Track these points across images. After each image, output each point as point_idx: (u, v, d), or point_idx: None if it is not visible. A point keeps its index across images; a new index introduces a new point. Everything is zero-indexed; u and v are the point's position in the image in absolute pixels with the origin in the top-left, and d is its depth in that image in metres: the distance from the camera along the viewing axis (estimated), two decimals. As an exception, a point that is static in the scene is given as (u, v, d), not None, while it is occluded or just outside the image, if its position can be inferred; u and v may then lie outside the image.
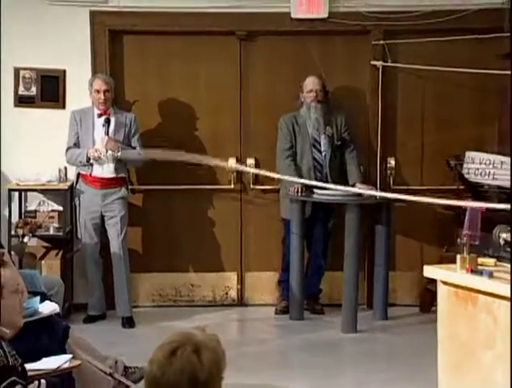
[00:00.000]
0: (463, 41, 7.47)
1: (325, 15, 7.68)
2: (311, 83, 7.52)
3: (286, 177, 7.14)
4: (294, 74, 7.71)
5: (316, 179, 7.49)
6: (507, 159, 6.97)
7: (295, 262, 7.39)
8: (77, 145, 7.26)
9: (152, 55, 7.86)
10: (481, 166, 7.15)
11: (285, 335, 7.30)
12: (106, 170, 7.24)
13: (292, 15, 7.69)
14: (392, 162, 7.89)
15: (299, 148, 7.56)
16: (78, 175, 7.34)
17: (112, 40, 7.77)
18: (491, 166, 7.08)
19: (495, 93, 7.45)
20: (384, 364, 6.33)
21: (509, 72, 6.95)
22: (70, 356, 4.56)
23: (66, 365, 4.40)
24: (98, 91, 7.19)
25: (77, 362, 4.55)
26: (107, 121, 7.21)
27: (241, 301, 7.98)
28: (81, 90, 7.41)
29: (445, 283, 4.82)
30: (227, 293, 7.99)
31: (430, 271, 4.94)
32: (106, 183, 7.26)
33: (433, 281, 5.04)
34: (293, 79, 7.69)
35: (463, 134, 7.66)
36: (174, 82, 7.88)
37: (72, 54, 7.61)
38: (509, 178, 6.94)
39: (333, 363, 6.43)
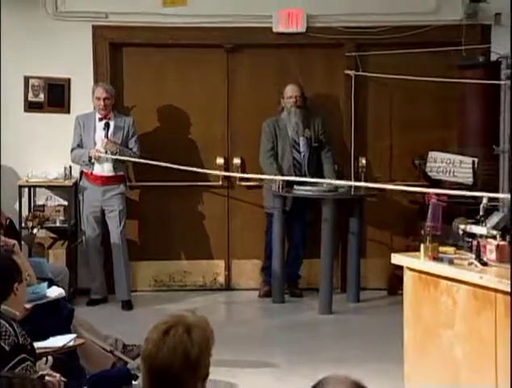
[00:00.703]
0: (425, 53, 7.47)
1: (304, 30, 7.68)
2: (291, 90, 7.51)
3: (277, 177, 7.16)
4: (275, 82, 7.70)
5: (295, 177, 7.50)
6: (465, 158, 6.99)
7: (276, 251, 7.39)
8: (80, 146, 7.28)
9: (148, 65, 7.83)
10: (443, 164, 7.16)
11: (267, 316, 7.30)
12: (105, 169, 7.24)
13: (274, 30, 7.68)
14: (363, 161, 7.89)
15: (280, 148, 7.55)
16: (81, 173, 7.36)
17: (112, 51, 7.73)
18: (451, 164, 7.10)
19: (454, 100, 7.46)
20: (356, 342, 6.33)
21: (466, 80, 6.98)
22: (75, 335, 4.56)
23: (71, 344, 4.40)
24: (98, 99, 7.20)
25: (80, 341, 4.55)
26: (107, 125, 7.23)
27: (228, 286, 7.97)
28: (85, 96, 7.39)
29: (410, 269, 4.84)
30: (215, 279, 7.98)
31: (397, 258, 4.95)
32: (106, 181, 7.25)
33: (399, 267, 5.05)
34: (275, 87, 7.68)
35: (426, 136, 7.67)
36: (169, 90, 7.86)
37: (76, 64, 7.58)
38: (466, 175, 6.96)
39: (310, 341, 6.43)
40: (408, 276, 4.86)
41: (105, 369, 4.58)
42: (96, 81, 7.54)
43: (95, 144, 7.22)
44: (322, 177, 7.53)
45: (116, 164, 7.23)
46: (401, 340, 4.89)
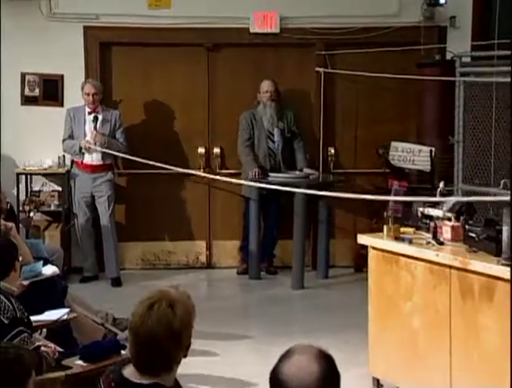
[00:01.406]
0: (388, 52, 7.47)
1: (278, 31, 7.66)
2: (266, 85, 7.50)
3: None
4: (252, 78, 7.68)
5: (270, 165, 7.51)
6: (424, 148, 7.01)
7: (253, 232, 7.39)
8: (71, 137, 7.24)
9: (135, 63, 7.77)
10: (403, 153, 7.18)
11: (245, 291, 7.31)
12: (95, 158, 7.23)
13: (251, 30, 7.65)
14: (332, 150, 7.89)
15: (256, 139, 7.54)
16: (72, 161, 7.36)
17: (102, 50, 7.67)
18: (411, 153, 7.11)
19: (414, 95, 7.48)
20: (326, 314, 6.35)
21: (424, 77, 7.00)
22: (68, 309, 4.53)
23: (65, 317, 4.38)
24: (88, 94, 7.18)
25: (74, 315, 4.53)
26: (96, 118, 7.21)
27: (209, 265, 7.96)
28: (76, 91, 7.33)
29: (374, 248, 4.85)
30: (197, 258, 7.97)
31: (362, 238, 4.97)
32: (95, 169, 7.25)
33: (365, 247, 5.06)
34: (251, 82, 7.65)
35: (388, 128, 7.68)
36: (154, 85, 7.82)
37: (68, 62, 7.52)
38: (425, 163, 6.99)
39: (284, 314, 6.45)
40: (372, 255, 4.87)
41: (96, 340, 4.56)
42: (87, 76, 7.49)
43: (85, 135, 7.21)
44: (295, 165, 7.54)
45: (104, 153, 7.21)
46: (366, 312, 4.91)
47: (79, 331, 4.73)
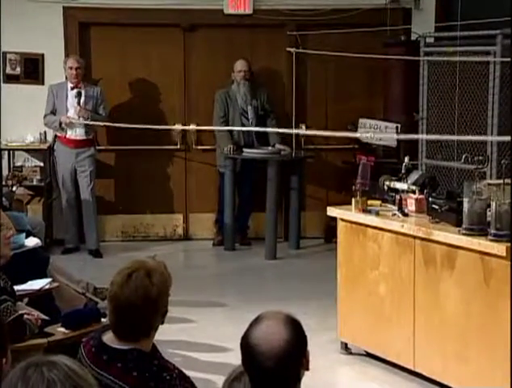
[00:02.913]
0: (356, 33, 7.44)
1: (251, 12, 7.60)
2: (240, 65, 7.45)
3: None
4: (226, 58, 7.62)
5: (244, 141, 7.49)
6: (390, 124, 7.02)
7: (228, 205, 7.38)
8: (53, 112, 7.13)
9: (114, 43, 7.68)
10: (371, 129, 7.19)
11: (220, 261, 7.32)
12: (78, 133, 7.12)
13: (225, 12, 7.59)
14: (303, 127, 7.87)
15: (230, 116, 7.51)
16: (55, 136, 7.24)
17: (81, 30, 7.57)
18: (378, 130, 7.13)
19: (381, 74, 7.47)
20: (297, 283, 6.38)
21: (390, 57, 7.00)
22: (50, 279, 4.51)
23: (47, 287, 4.36)
24: (71, 68, 7.05)
25: (56, 284, 4.51)
26: (79, 94, 7.06)
27: (186, 236, 7.95)
28: (57, 69, 7.25)
29: (343, 220, 4.87)
30: (175, 230, 7.95)
31: (332, 211, 4.99)
32: (78, 144, 7.14)
33: (334, 219, 5.08)
34: (226, 62, 7.60)
35: (357, 105, 7.68)
36: (132, 64, 7.73)
37: (49, 41, 7.42)
38: (391, 137, 7.01)
39: (258, 282, 6.47)
40: (341, 226, 4.90)
41: (77, 308, 4.54)
42: (67, 55, 7.38)
43: (67, 110, 7.08)
44: (268, 141, 7.53)
45: (88, 129, 7.12)
46: (335, 280, 4.94)
47: (61, 300, 4.70)
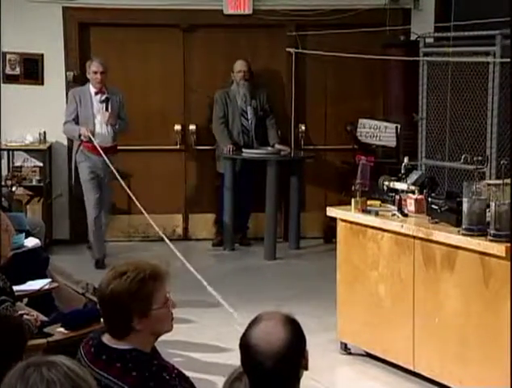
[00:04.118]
0: (355, 34, 7.44)
1: (250, 12, 7.61)
2: (239, 65, 7.45)
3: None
4: (226, 58, 7.62)
5: (243, 141, 7.49)
6: (390, 125, 7.03)
7: (228, 206, 7.38)
8: (74, 119, 6.76)
9: (113, 43, 7.68)
10: (370, 130, 7.18)
11: (220, 262, 7.31)
12: (106, 140, 6.76)
13: (224, 12, 7.59)
14: (302, 127, 7.88)
15: (230, 116, 7.51)
16: (80, 144, 6.81)
17: (81, 30, 7.58)
18: (378, 130, 7.12)
19: (380, 74, 7.47)
20: (297, 283, 6.38)
21: (390, 57, 7.00)
22: (50, 279, 4.50)
23: (46, 287, 4.36)
24: (95, 72, 6.72)
25: (55, 284, 4.50)
26: (107, 100, 6.71)
27: (185, 237, 7.94)
28: (56, 69, 7.27)
29: (342, 220, 4.87)
30: (174, 231, 7.94)
31: (331, 211, 4.99)
32: (106, 151, 6.66)
33: (333, 219, 5.08)
34: (225, 62, 7.60)
35: (356, 105, 7.68)
36: (132, 65, 7.73)
37: (48, 41, 7.42)
38: (390, 139, 7.01)
39: (258, 283, 6.47)
40: (340, 226, 4.89)
41: (77, 308, 4.54)
42: (66, 56, 7.39)
43: (94, 117, 6.75)
44: (267, 141, 7.54)
45: (114, 135, 6.80)
46: (335, 280, 4.94)
47: (60, 300, 4.70)
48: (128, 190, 6.23)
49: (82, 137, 6.69)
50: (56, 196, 7.44)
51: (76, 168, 6.90)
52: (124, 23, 7.57)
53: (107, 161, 6.52)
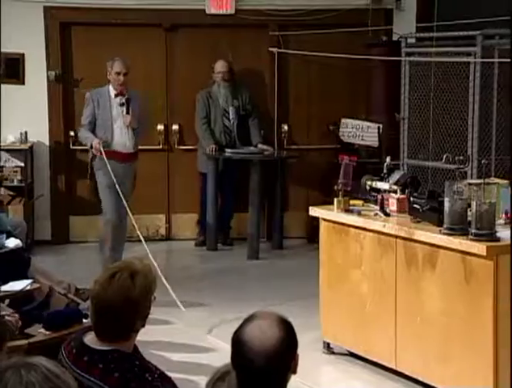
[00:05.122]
0: (338, 34, 7.46)
1: (233, 12, 7.59)
2: (219, 66, 7.44)
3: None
4: (209, 58, 7.59)
5: (226, 141, 7.48)
6: (372, 124, 7.05)
7: (210, 206, 7.37)
8: (92, 123, 6.22)
9: (95, 42, 7.63)
10: (353, 130, 7.21)
11: (203, 262, 7.30)
12: (128, 147, 6.26)
13: (207, 11, 7.58)
14: (285, 127, 7.89)
15: (212, 116, 7.50)
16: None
17: (62, 29, 7.53)
18: (360, 130, 7.15)
19: (362, 74, 7.49)
20: (280, 283, 6.36)
21: (372, 57, 7.03)
22: (31, 280, 4.48)
23: (28, 288, 4.33)
24: (118, 73, 6.18)
25: (36, 285, 4.48)
26: (128, 102, 6.17)
27: (168, 237, 7.92)
28: (37, 69, 7.23)
29: (325, 220, 4.88)
30: (158, 231, 7.92)
31: (314, 211, 4.99)
32: (126, 158, 6.27)
33: (316, 219, 5.08)
34: (208, 62, 7.57)
35: (339, 105, 7.68)
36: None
37: (29, 41, 7.37)
38: (373, 139, 7.03)
39: (240, 283, 6.46)
40: (323, 226, 4.90)
41: (59, 309, 4.51)
42: (48, 55, 7.34)
43: (113, 120, 6.22)
44: (250, 141, 7.53)
45: (135, 141, 6.30)
46: (318, 280, 4.94)
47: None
48: (120, 192, 6.08)
49: (94, 151, 6.13)
50: (37, 197, 7.39)
51: (93, 174, 6.36)
52: (106, 22, 7.54)
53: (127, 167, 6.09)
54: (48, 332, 3.70)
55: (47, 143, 7.57)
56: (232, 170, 7.54)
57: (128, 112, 6.18)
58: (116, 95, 6.24)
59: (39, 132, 7.49)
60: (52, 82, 7.48)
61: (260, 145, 7.47)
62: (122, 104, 6.20)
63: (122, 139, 6.23)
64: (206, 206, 7.41)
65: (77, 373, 2.43)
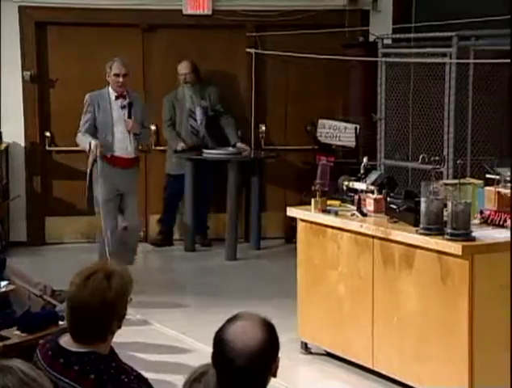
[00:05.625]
0: (315, 34, 7.47)
1: (210, 12, 7.59)
2: (182, 67, 7.45)
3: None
4: (186, 59, 7.54)
5: (193, 142, 7.47)
6: (349, 125, 7.07)
7: (188, 206, 7.35)
8: (92, 126, 6.02)
9: (71, 42, 7.59)
10: (330, 130, 7.22)
11: (180, 263, 7.27)
12: (128, 151, 6.08)
13: (184, 12, 7.57)
14: (263, 127, 7.89)
15: (178, 118, 7.50)
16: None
17: (38, 29, 7.47)
18: (337, 130, 7.16)
19: (339, 74, 7.51)
20: (258, 284, 6.37)
21: (349, 58, 7.05)
22: (7, 282, 4.43)
23: (3, 289, 4.29)
24: (117, 75, 5.98)
25: (12, 287, 4.44)
26: (130, 105, 5.98)
27: (146, 238, 7.84)
28: (12, 69, 7.16)
29: (303, 220, 4.89)
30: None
31: (292, 211, 5.00)
32: (127, 163, 6.09)
33: (294, 219, 5.10)
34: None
35: (316, 106, 7.70)
36: (90, 65, 7.60)
37: (4, 41, 7.30)
38: (350, 139, 7.05)
39: (219, 284, 6.44)
40: (301, 226, 4.91)
41: (34, 311, 4.47)
42: (23, 55, 7.28)
43: (114, 123, 6.03)
44: (226, 140, 7.53)
45: (136, 146, 6.13)
46: (296, 280, 4.95)
47: (18, 303, 4.62)
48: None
49: (92, 149, 5.89)
50: (13, 198, 7.33)
51: (91, 182, 6.08)
52: (83, 22, 7.50)
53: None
54: (23, 334, 3.66)
55: (22, 144, 7.51)
56: (209, 171, 7.53)
57: (129, 117, 5.97)
58: (117, 98, 6.02)
59: (15, 133, 7.43)
60: (27, 82, 7.42)
61: (239, 144, 7.46)
62: (123, 107, 5.99)
63: (123, 143, 6.02)
64: (168, 206, 7.43)
65: (53, 375, 2.42)
